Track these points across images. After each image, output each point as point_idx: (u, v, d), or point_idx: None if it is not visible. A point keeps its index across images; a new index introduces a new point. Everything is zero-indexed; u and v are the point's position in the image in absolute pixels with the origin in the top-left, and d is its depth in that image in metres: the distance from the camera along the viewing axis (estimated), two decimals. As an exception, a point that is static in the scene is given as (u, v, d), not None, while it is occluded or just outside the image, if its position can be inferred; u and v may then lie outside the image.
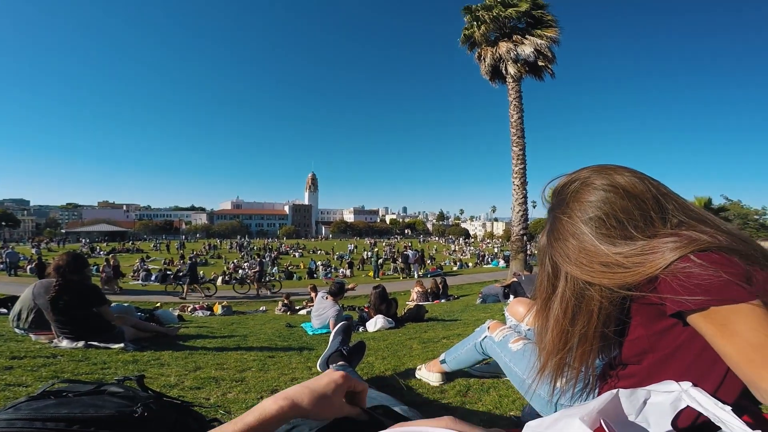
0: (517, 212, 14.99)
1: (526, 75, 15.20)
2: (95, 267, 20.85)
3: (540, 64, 14.95)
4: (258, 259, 18.77)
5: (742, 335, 0.65)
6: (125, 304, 4.55)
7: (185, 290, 14.75)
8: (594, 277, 0.79)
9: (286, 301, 10.56)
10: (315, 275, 23.51)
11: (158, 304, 10.12)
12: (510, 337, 1.55)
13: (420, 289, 11.41)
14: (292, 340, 4.39)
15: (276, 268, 25.87)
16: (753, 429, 0.64)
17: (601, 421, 0.66)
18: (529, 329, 1.60)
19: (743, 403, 0.76)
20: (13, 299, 4.73)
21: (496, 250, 42.91)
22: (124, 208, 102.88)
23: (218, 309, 9.99)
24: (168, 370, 2.46)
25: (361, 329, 5.50)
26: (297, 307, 10.49)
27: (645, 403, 0.73)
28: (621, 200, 0.81)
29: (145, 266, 22.58)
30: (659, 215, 0.80)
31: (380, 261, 20.53)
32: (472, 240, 76.24)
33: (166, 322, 4.77)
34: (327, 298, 5.54)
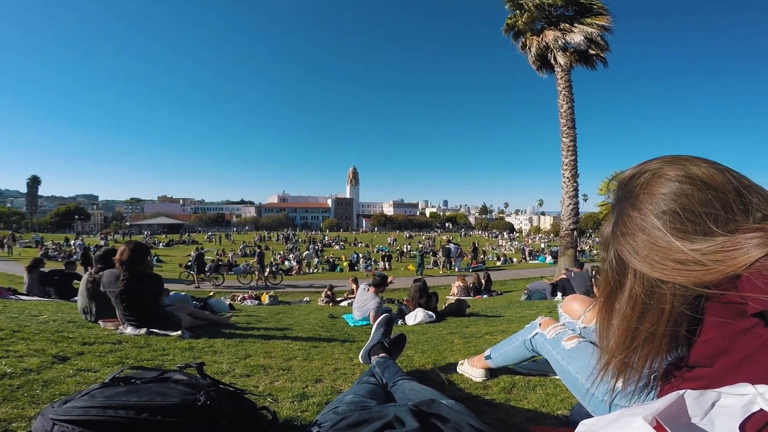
0: (567, 206, 14.30)
1: (577, 64, 14.55)
2: (155, 257, 22.61)
3: (591, 52, 14.28)
4: (258, 251, 19.33)
5: None
6: (182, 293, 4.88)
7: (196, 279, 15.83)
8: (667, 274, 0.73)
9: (328, 293, 10.82)
10: (356, 267, 23.92)
11: (211, 293, 10.77)
12: (563, 334, 1.51)
13: (461, 284, 11.25)
14: (335, 330, 4.49)
15: (318, 259, 26.64)
16: None
17: (658, 420, 0.62)
18: (584, 327, 1.54)
19: None
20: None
21: (542, 245, 41.22)
22: (181, 202, 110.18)
23: (266, 299, 10.46)
24: (220, 358, 2.59)
25: (400, 322, 5.51)
26: (338, 299, 10.72)
27: (713, 405, 0.67)
28: (699, 192, 0.74)
29: (200, 257, 24.08)
30: (741, 209, 0.72)
31: (420, 254, 20.07)
32: (517, 234, 73.80)
33: (218, 310, 5.06)
34: (368, 289, 5.60)
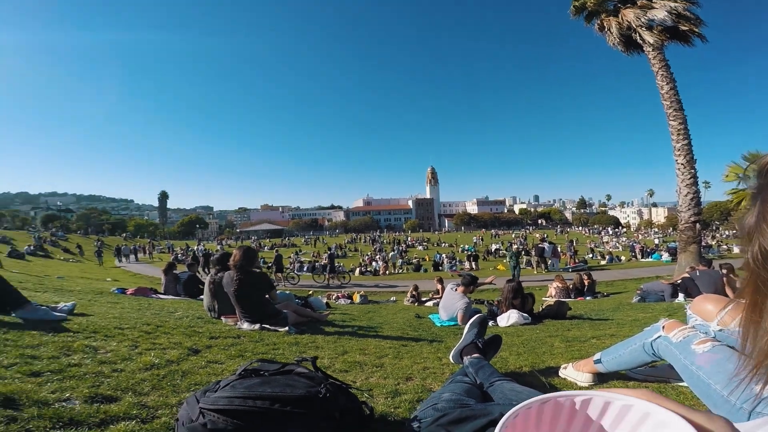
0: (686, 195, 12.29)
1: (669, 42, 12.74)
2: (261, 260, 25.19)
3: (683, 28, 12.44)
4: (329, 253, 19.90)
5: None
6: (287, 292, 5.36)
7: (276, 278, 17.30)
8: None
9: (414, 293, 10.91)
10: (440, 268, 23.74)
11: (310, 292, 11.63)
12: (693, 338, 1.38)
13: (560, 285, 10.43)
14: (422, 330, 4.52)
15: (402, 260, 27.02)
16: None
17: None
18: (720, 330, 1.39)
19: None
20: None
21: (657, 241, 36.14)
22: (280, 209, 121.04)
23: (357, 298, 10.96)
24: (322, 353, 2.78)
25: (491, 323, 5.30)
26: (424, 299, 10.75)
27: None
28: None
29: (299, 259, 26.25)
30: None
31: (515, 255, 17.56)
32: (624, 230, 65.72)
33: (317, 308, 5.45)
34: (456, 289, 5.50)
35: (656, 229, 60.38)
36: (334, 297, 10.92)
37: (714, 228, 50.97)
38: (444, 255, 27.49)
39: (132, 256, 31.02)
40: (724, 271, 7.16)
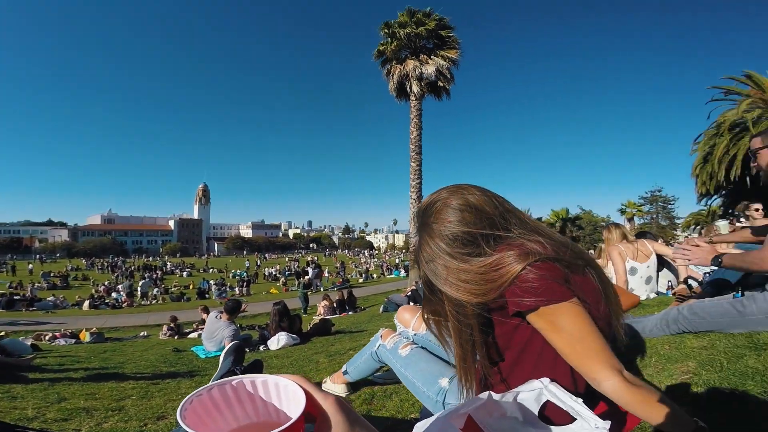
0: (415, 224, 15.91)
1: (428, 94, 16.17)
2: None
3: (440, 84, 16.03)
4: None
5: (566, 329, 0.79)
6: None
7: None
8: (461, 292, 0.88)
9: (171, 325, 9.47)
10: (207, 296, 21.54)
11: (2, 333, 8.19)
12: (399, 343, 1.58)
13: (327, 303, 11.38)
14: (181, 365, 4.08)
15: (157, 289, 22.98)
16: (606, 416, 0.76)
17: (471, 415, 0.73)
18: (415, 334, 1.64)
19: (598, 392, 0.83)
20: None
21: (397, 260, 44.74)
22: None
23: (86, 336, 8.55)
24: (23, 403, 2.13)
25: (262, 348, 5.30)
26: (186, 330, 9.51)
27: (515, 401, 0.82)
28: (474, 218, 0.92)
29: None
30: (505, 229, 0.91)
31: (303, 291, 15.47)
32: (376, 252, 78.31)
33: (16, 352, 4.00)
34: (220, 317, 5.16)
35: (397, 251, 74.98)
36: (47, 337, 8.14)
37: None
38: (212, 281, 25.12)
39: None
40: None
